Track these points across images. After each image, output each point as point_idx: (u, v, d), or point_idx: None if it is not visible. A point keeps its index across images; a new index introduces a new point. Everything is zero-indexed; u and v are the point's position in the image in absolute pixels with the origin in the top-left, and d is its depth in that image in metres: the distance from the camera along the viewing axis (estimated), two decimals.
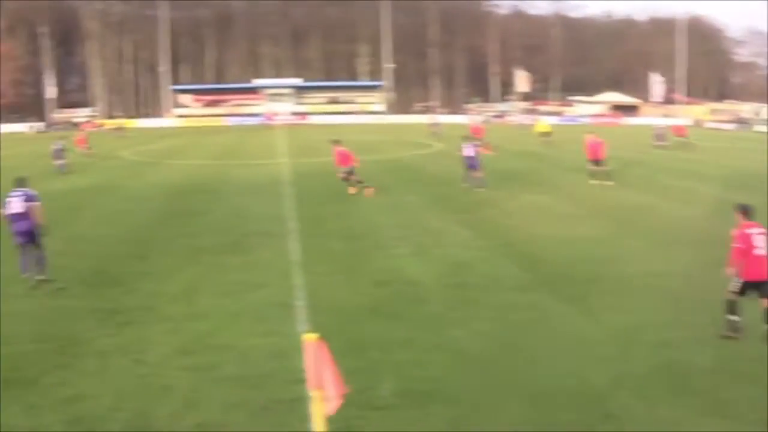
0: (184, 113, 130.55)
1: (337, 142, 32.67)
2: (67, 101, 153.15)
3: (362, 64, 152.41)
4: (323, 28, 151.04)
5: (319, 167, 39.24)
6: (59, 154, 44.70)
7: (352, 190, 31.15)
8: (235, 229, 23.64)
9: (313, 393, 7.23)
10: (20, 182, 18.25)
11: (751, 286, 12.38)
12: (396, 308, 14.53)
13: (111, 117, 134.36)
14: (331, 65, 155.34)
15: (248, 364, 11.80)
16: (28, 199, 17.67)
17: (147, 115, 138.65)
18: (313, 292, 15.68)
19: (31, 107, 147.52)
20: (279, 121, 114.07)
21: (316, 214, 26.03)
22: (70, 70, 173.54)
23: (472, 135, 42.90)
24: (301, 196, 30.57)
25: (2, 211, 17.54)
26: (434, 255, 19.27)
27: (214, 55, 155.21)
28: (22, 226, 17.36)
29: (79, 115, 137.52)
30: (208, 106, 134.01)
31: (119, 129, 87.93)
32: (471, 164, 32.54)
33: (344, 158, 31.65)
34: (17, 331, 13.81)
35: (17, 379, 11.46)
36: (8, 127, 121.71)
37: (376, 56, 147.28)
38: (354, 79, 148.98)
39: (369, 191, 30.73)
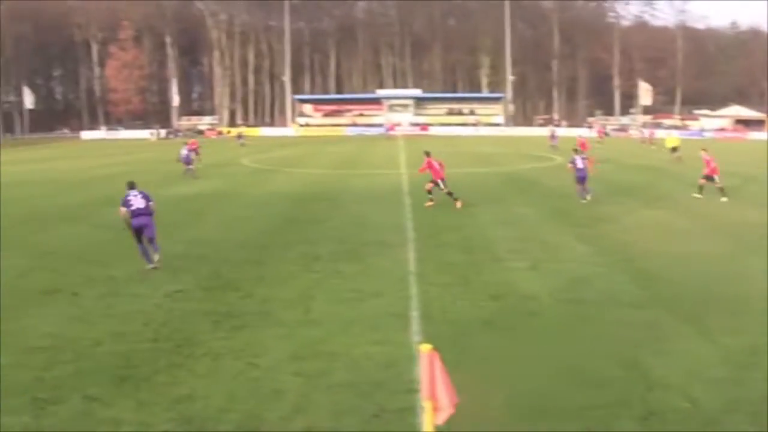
0: (304, 122, 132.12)
1: (428, 153, 32.42)
2: (190, 109, 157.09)
3: (483, 76, 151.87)
4: (444, 39, 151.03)
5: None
6: (188, 159, 46.59)
7: (428, 204, 31.04)
8: (353, 238, 23.78)
9: (425, 403, 7.23)
10: (131, 185, 20.61)
11: None
12: (510, 322, 14.37)
13: (233, 125, 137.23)
14: (452, 76, 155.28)
15: (359, 372, 11.82)
16: (146, 197, 20.14)
17: (268, 124, 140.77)
18: (428, 303, 15.63)
19: (154, 114, 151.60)
20: (399, 131, 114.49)
21: (433, 225, 25.98)
22: (193, 78, 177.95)
23: (580, 148, 42.64)
24: (419, 207, 30.55)
25: (122, 208, 19.90)
26: (550, 269, 19.01)
27: (335, 66, 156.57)
28: (142, 220, 19.82)
29: (202, 122, 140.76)
30: (329, 116, 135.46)
31: (239, 137, 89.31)
32: (581, 176, 32.13)
33: (435, 170, 31.36)
34: (134, 329, 14.19)
35: (131, 375, 11.79)
36: (132, 134, 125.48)
37: (496, 68, 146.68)
38: (474, 90, 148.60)
39: (458, 204, 30.45)
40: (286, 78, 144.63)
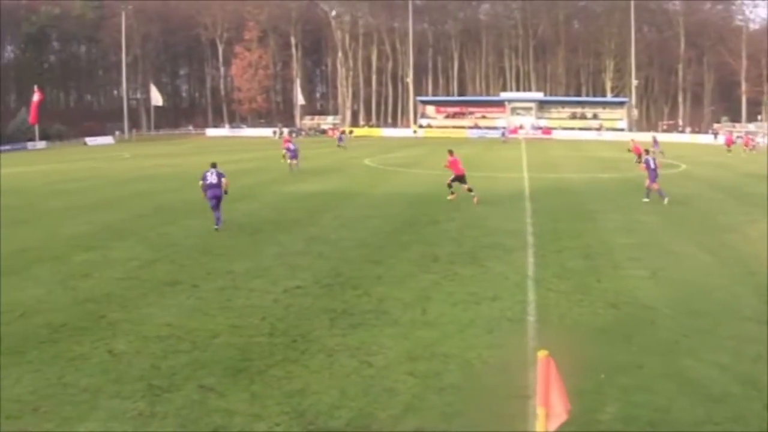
0: (426, 124, 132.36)
1: (450, 152, 35.31)
2: (313, 109, 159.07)
3: (606, 79, 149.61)
4: (568, 42, 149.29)
5: (558, 183, 38.82)
6: (295, 153, 50.37)
7: (450, 197, 33.87)
8: (471, 240, 23.68)
9: (539, 409, 7.17)
10: (213, 164, 26.88)
11: None
12: (627, 331, 14.08)
13: (355, 125, 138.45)
14: (575, 80, 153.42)
15: (473, 375, 11.76)
16: (219, 175, 26.18)
17: (390, 125, 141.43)
18: (545, 308, 15.48)
19: (278, 113, 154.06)
20: (521, 134, 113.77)
21: (552, 230, 25.71)
22: (316, 78, 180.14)
23: (634, 152, 48.57)
24: (539, 211, 30.31)
25: (201, 181, 26.33)
26: (670, 279, 18.57)
27: (458, 68, 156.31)
28: (215, 192, 26.05)
29: (325, 122, 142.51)
30: (451, 118, 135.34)
31: (341, 137, 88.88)
32: (653, 177, 33.56)
33: (455, 166, 34.04)
34: (252, 323, 14.45)
35: (247, 368, 12.00)
36: (255, 132, 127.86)
37: (620, 71, 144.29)
38: (598, 94, 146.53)
39: (476, 200, 32.79)
40: (410, 79, 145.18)
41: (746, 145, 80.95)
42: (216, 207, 25.96)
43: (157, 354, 12.74)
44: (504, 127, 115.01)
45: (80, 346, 13.24)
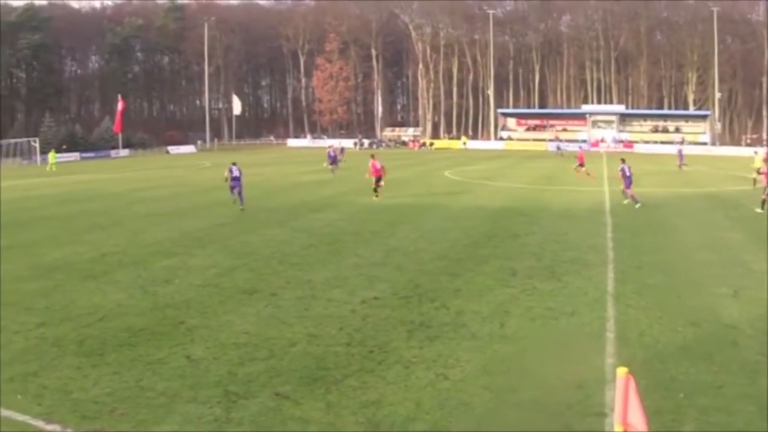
0: (507, 136, 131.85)
1: (373, 156, 42.32)
2: (394, 120, 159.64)
3: (689, 92, 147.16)
4: (650, 54, 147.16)
5: (639, 197, 38.14)
6: (334, 159, 61.08)
7: (375, 198, 39.33)
8: (550, 255, 23.44)
9: (617, 427, 7.04)
10: (234, 162, 37.27)
11: None
12: (708, 350, 13.76)
13: (436, 137, 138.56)
14: (657, 92, 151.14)
15: (549, 391, 11.62)
16: (240, 172, 36.51)
17: (471, 137, 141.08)
18: (624, 325, 15.23)
19: (358, 124, 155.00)
20: (602, 148, 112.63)
21: (633, 246, 25.31)
22: (397, 90, 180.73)
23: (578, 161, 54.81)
24: (619, 226, 29.91)
25: (226, 173, 36.91)
26: (754, 298, 18.09)
27: (539, 80, 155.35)
28: (237, 184, 36.16)
29: (406, 134, 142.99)
30: (531, 130, 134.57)
31: (423, 145, 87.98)
32: (627, 183, 36.86)
33: (376, 170, 40.22)
34: (329, 333, 14.55)
35: (322, 377, 12.08)
36: (336, 142, 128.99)
37: (703, 84, 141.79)
38: (680, 107, 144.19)
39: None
40: (490, 91, 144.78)
41: None
42: (239, 193, 35.86)
43: (234, 361, 12.88)
44: (559, 140, 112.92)
45: (158, 350, 13.48)
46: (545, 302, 17.18)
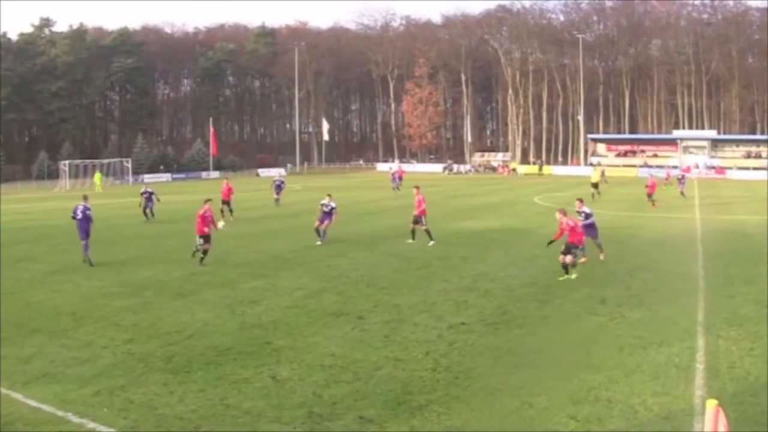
0: (597, 162, 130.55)
1: (417, 188, 33.60)
2: (483, 146, 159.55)
3: None
4: (741, 78, 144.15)
5: (731, 225, 37.46)
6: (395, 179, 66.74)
7: (411, 241, 32.25)
8: (640, 283, 23.08)
9: None
10: (329, 194, 34.31)
11: None
12: None
13: (525, 163, 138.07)
14: (750, 117, 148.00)
15: (636, 421, 11.45)
16: (331, 207, 33.10)
17: (561, 163, 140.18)
18: (714, 356, 14.89)
19: (447, 149, 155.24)
20: (694, 174, 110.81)
21: (726, 275, 24.70)
22: (486, 115, 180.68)
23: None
24: (711, 254, 29.30)
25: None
26: None
27: (629, 105, 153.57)
28: (327, 218, 33.06)
29: (495, 159, 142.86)
30: (622, 156, 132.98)
31: (512, 170, 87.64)
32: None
33: (420, 206, 32.49)
34: (415, 357, 14.58)
35: (407, 401, 12.11)
36: (425, 167, 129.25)
37: None
38: None
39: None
40: (580, 117, 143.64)
41: None
42: (324, 231, 32.61)
43: (319, 382, 12.98)
44: (677, 167, 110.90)
45: (244, 369, 13.67)
46: (634, 331, 16.90)
